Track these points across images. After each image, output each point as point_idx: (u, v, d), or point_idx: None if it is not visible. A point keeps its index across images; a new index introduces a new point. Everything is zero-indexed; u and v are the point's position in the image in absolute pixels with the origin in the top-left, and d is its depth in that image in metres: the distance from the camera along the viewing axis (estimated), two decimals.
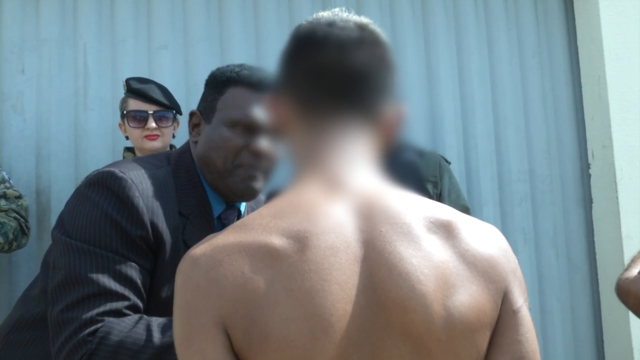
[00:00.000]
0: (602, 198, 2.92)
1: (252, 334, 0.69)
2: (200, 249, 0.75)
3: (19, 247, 2.21)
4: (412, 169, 2.30)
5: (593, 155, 2.97)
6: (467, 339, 0.72)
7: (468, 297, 0.73)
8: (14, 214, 2.20)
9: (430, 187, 2.34)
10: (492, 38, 3.00)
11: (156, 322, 1.14)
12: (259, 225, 0.74)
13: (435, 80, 2.91)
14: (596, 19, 2.91)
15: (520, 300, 0.77)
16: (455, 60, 2.95)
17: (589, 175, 3.00)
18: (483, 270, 0.75)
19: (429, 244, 0.74)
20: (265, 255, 0.71)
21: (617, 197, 2.83)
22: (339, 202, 0.76)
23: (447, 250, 0.74)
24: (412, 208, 0.76)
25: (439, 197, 2.38)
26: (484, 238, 0.78)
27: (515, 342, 0.75)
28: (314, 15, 0.86)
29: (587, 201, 3.01)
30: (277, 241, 0.72)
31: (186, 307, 0.72)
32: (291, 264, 0.70)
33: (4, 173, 2.28)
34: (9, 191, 2.23)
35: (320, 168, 0.79)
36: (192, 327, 0.71)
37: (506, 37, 3.00)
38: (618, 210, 2.82)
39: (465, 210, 2.41)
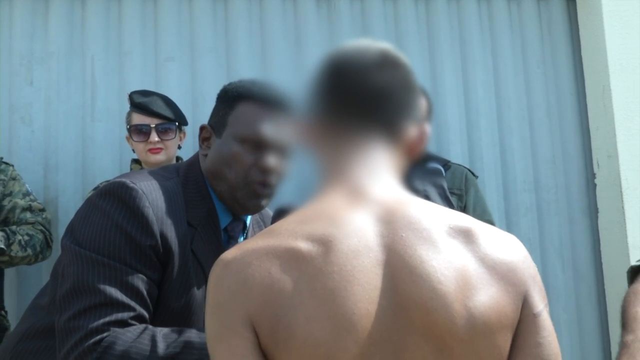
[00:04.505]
0: (608, 208, 2.92)
1: (278, 332, 0.72)
2: (231, 254, 0.79)
3: (43, 259, 2.25)
4: (435, 178, 2.26)
5: (598, 165, 2.98)
6: (488, 339, 0.74)
7: (488, 297, 0.74)
8: (40, 227, 2.23)
9: (454, 199, 2.29)
10: (496, 49, 3.01)
11: (161, 332, 1.15)
12: (285, 231, 0.78)
13: (440, 91, 2.92)
14: (600, 30, 2.92)
15: (540, 304, 0.79)
16: (460, 71, 2.96)
17: (595, 185, 3.00)
18: (503, 274, 0.77)
19: (449, 247, 0.76)
20: (291, 258, 0.75)
21: (622, 207, 2.83)
22: (361, 210, 0.79)
23: (467, 254, 0.77)
24: (431, 215, 0.79)
25: (463, 211, 2.33)
26: (503, 244, 0.80)
27: (537, 345, 0.77)
28: (341, 46, 0.91)
29: (592, 211, 3.01)
30: (303, 245, 0.75)
31: (217, 306, 0.76)
32: (315, 265, 0.73)
33: (27, 186, 2.31)
34: (34, 204, 2.26)
35: (343, 179, 0.83)
36: (223, 325, 0.75)
37: (510, 48, 3.02)
38: (624, 219, 2.82)
39: (490, 225, 2.35)
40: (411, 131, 0.88)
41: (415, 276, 0.73)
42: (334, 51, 0.90)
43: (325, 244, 0.75)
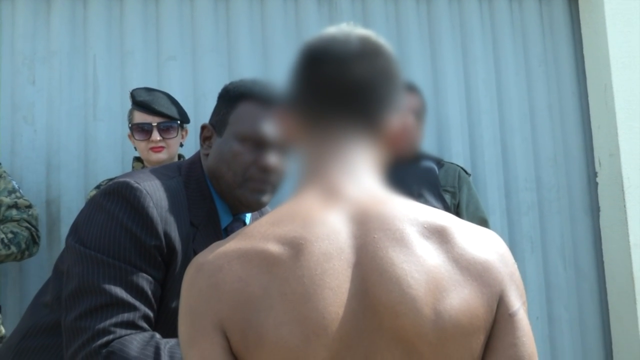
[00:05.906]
0: (610, 206, 2.92)
1: (248, 337, 0.72)
2: (204, 256, 0.78)
3: (30, 255, 2.27)
4: (428, 176, 2.28)
5: (600, 164, 2.97)
6: (459, 342, 0.73)
7: (460, 300, 0.73)
8: (26, 224, 2.25)
9: (448, 197, 2.31)
10: (498, 47, 3.01)
11: (166, 345, 1.15)
12: (257, 233, 0.77)
13: (441, 89, 2.92)
14: (602, 28, 2.92)
15: (516, 303, 0.77)
16: (462, 70, 2.96)
17: (596, 184, 3.00)
18: (477, 274, 0.76)
19: (422, 248, 0.75)
20: (262, 261, 0.74)
21: (624, 206, 2.82)
22: (335, 210, 0.78)
23: (441, 254, 0.75)
24: (406, 214, 0.77)
25: (456, 208, 2.35)
26: (480, 242, 0.79)
27: (511, 346, 0.75)
28: (321, 32, 0.88)
29: (594, 210, 3.01)
30: (274, 248, 0.74)
31: (189, 311, 0.76)
32: (286, 269, 0.73)
33: (14, 183, 2.32)
34: (20, 201, 2.27)
35: (320, 178, 0.82)
36: (195, 329, 0.74)
37: (512, 46, 3.01)
38: (626, 218, 2.82)
39: (483, 222, 2.37)
40: (393, 123, 0.85)
41: (385, 279, 0.72)
42: (312, 39, 0.87)
43: (296, 247, 0.74)
